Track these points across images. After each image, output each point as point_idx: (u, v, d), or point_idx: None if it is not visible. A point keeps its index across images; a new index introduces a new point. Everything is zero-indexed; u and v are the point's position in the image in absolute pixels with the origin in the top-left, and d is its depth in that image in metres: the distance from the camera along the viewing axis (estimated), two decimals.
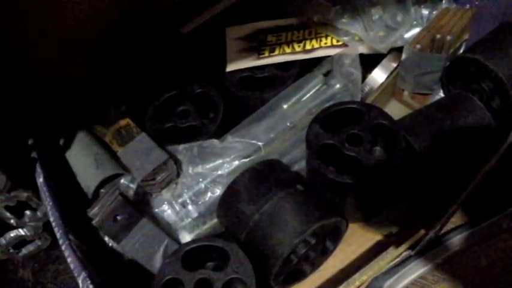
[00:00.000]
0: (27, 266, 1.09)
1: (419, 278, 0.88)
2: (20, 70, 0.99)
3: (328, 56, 1.04)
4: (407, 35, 1.09)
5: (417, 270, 0.88)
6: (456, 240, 0.90)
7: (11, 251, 1.06)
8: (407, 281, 0.87)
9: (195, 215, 0.90)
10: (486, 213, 0.92)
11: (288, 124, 0.95)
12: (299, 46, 1.09)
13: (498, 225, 0.91)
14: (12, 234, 1.04)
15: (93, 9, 1.00)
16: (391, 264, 0.84)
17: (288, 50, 1.08)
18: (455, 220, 0.93)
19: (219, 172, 0.91)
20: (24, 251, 1.07)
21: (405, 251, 0.85)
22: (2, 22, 0.90)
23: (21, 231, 1.04)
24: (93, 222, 0.84)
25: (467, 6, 1.12)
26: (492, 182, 0.89)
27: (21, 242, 1.06)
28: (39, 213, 1.02)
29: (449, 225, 0.92)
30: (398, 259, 0.84)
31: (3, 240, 1.03)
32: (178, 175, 0.93)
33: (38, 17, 0.95)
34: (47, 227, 1.04)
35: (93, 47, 1.05)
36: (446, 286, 0.87)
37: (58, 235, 0.86)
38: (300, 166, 0.94)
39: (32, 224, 1.03)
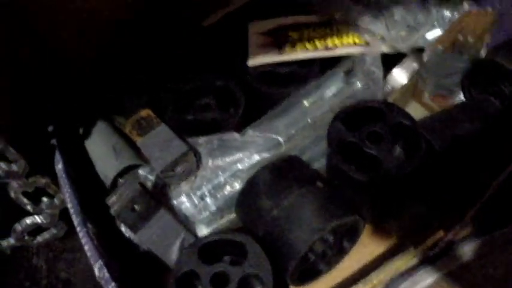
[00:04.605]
0: (41, 254, 1.09)
1: (433, 283, 0.88)
2: (42, 56, 0.99)
3: (350, 55, 1.04)
4: (429, 36, 1.09)
5: (429, 277, 0.88)
6: (468, 249, 0.90)
7: (26, 238, 1.06)
8: (420, 286, 0.87)
9: (213, 208, 0.90)
10: (497, 223, 0.92)
11: (309, 121, 0.95)
12: (320, 43, 1.09)
13: (510, 235, 0.91)
14: (28, 221, 1.04)
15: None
16: (409, 264, 0.84)
17: (309, 47, 1.08)
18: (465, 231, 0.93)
19: (239, 166, 0.91)
20: (39, 238, 1.08)
21: (423, 252, 0.85)
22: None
23: (37, 218, 1.04)
24: (111, 210, 0.84)
25: (489, 9, 1.12)
26: (503, 191, 0.88)
27: (37, 229, 1.06)
28: (56, 201, 1.02)
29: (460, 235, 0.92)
30: (416, 260, 0.85)
31: (18, 227, 1.04)
32: (198, 167, 0.93)
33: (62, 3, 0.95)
34: (63, 215, 1.04)
35: (116, 36, 1.05)
36: None
37: (76, 222, 0.86)
38: (320, 164, 0.94)
39: (49, 212, 1.03)
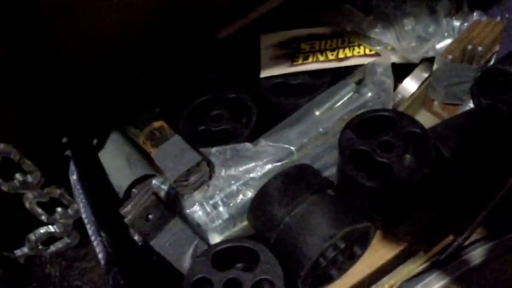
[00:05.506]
0: (54, 263, 1.10)
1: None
2: (56, 68, 1.00)
3: (361, 65, 1.06)
4: (439, 46, 1.09)
5: (439, 281, 0.88)
6: (477, 253, 0.90)
7: (40, 247, 1.07)
8: None
9: (226, 216, 0.91)
10: (506, 227, 0.92)
11: (321, 130, 0.96)
12: (332, 54, 1.10)
13: None
14: (42, 230, 1.05)
15: (131, 11, 1.01)
16: (420, 268, 0.85)
17: (321, 58, 1.10)
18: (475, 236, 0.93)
19: (251, 175, 0.92)
20: (52, 247, 1.08)
21: (433, 256, 0.85)
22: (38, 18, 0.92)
23: (51, 228, 1.05)
24: (126, 220, 0.85)
25: (498, 18, 1.12)
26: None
27: (50, 238, 1.07)
28: (70, 211, 1.02)
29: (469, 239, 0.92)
30: (426, 264, 0.85)
31: (32, 236, 1.05)
32: (210, 177, 0.94)
33: (76, 17, 0.96)
34: (76, 225, 1.05)
35: (130, 48, 1.06)
36: None
37: (90, 232, 0.87)
38: (331, 172, 0.94)
39: (62, 221, 1.04)
